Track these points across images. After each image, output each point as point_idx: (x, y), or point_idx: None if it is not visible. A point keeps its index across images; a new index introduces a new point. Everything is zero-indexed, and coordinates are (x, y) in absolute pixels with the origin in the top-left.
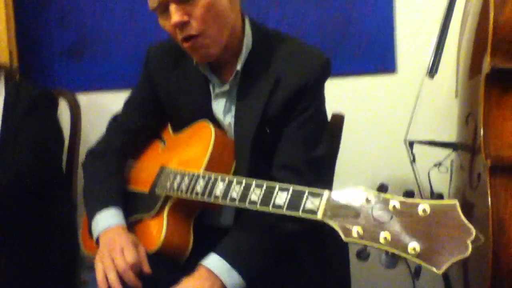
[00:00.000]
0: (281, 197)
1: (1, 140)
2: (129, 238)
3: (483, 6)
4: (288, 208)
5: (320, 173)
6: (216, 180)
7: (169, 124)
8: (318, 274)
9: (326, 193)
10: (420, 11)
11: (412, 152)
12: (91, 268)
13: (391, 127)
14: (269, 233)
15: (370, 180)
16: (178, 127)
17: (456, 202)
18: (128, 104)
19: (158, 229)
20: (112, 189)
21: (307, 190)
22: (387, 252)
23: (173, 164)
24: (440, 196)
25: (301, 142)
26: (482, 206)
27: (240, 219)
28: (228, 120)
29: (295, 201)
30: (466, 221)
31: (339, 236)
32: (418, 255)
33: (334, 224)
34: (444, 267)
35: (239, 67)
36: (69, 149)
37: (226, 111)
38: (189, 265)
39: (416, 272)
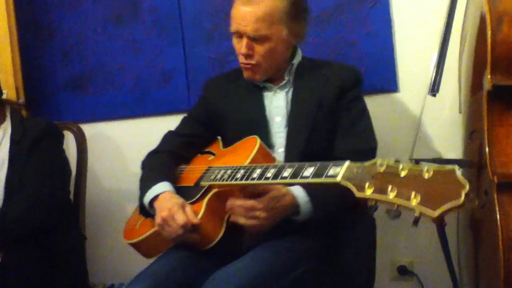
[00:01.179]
0: (309, 171)
1: (8, 175)
2: (176, 201)
3: (480, 23)
4: (313, 176)
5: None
6: (254, 167)
7: (219, 140)
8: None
9: (347, 162)
10: (419, 30)
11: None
12: None
13: (396, 146)
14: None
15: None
16: (230, 141)
17: (455, 167)
18: (184, 118)
19: (196, 211)
20: (164, 172)
21: (332, 162)
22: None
23: (219, 165)
24: None
25: (357, 134)
26: (491, 223)
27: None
28: (283, 111)
29: (320, 171)
30: (462, 180)
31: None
32: (419, 204)
33: (349, 184)
34: (438, 210)
35: (294, 62)
36: (76, 179)
37: (285, 104)
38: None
39: (415, 221)
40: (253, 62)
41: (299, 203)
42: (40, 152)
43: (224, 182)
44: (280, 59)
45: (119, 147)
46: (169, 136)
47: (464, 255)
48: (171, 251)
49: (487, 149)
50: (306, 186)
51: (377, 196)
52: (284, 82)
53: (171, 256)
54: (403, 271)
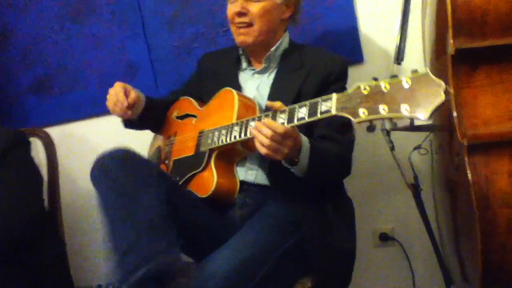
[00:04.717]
0: (302, 112)
1: None
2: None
3: None
4: (309, 115)
5: (350, 154)
6: (247, 121)
7: (192, 100)
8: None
9: (334, 95)
10: (380, 0)
11: (390, 140)
12: None
13: None
14: (339, 155)
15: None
16: (207, 101)
17: (427, 70)
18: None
19: (209, 176)
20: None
21: (320, 98)
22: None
23: (209, 127)
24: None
25: (334, 128)
26: (465, 184)
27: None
28: (253, 94)
29: (312, 109)
30: (436, 79)
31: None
32: (409, 112)
33: (345, 114)
34: (428, 113)
35: (273, 48)
36: (49, 185)
37: (256, 88)
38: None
39: (369, 128)
40: (247, 20)
41: (302, 145)
42: (8, 165)
43: (225, 143)
44: (271, 26)
45: (91, 146)
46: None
47: (442, 217)
48: None
49: (455, 113)
50: (312, 142)
51: (373, 116)
52: (261, 68)
53: None
54: (385, 238)
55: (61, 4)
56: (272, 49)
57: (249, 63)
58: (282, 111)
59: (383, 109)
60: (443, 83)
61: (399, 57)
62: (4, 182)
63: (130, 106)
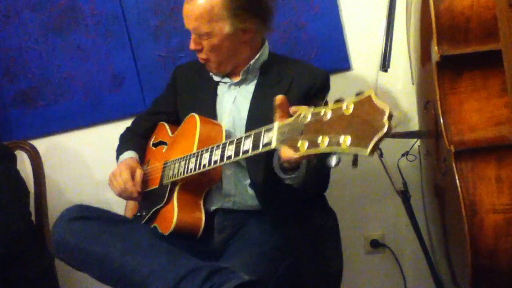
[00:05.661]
0: (246, 144)
1: None
2: (130, 163)
3: None
4: (253, 148)
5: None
6: (202, 153)
7: (166, 126)
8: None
9: (275, 124)
10: (365, 7)
11: (379, 147)
12: None
13: None
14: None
15: (343, 180)
16: (182, 119)
17: (371, 93)
18: (155, 99)
19: (171, 211)
20: (131, 143)
21: (263, 128)
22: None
23: (173, 157)
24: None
25: None
26: (453, 190)
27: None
28: (229, 107)
29: (256, 141)
30: (379, 105)
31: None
32: (350, 145)
33: (285, 147)
34: (370, 147)
35: (252, 62)
36: (36, 198)
37: (233, 100)
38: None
39: (354, 161)
40: (203, 56)
41: None
42: None
43: (181, 176)
44: (231, 53)
45: (78, 158)
46: (139, 117)
47: (431, 222)
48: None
49: (441, 119)
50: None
51: (313, 151)
52: (239, 79)
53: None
54: (376, 244)
55: (44, 15)
56: (252, 62)
57: (223, 76)
58: (230, 143)
59: (321, 142)
60: (387, 110)
61: (385, 64)
62: None
63: (140, 194)
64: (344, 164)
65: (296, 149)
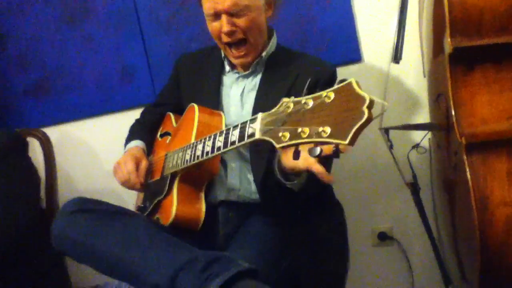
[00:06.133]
0: (234, 134)
1: None
2: (135, 153)
3: None
4: (239, 139)
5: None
6: (196, 144)
7: (171, 116)
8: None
9: (259, 115)
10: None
11: (389, 139)
12: None
13: None
14: None
15: (352, 171)
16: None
17: (351, 80)
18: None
19: (171, 203)
20: (139, 133)
21: (249, 119)
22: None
23: (174, 148)
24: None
25: None
26: (463, 183)
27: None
28: (237, 99)
29: (242, 132)
30: (360, 92)
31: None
32: (329, 136)
33: (268, 138)
34: (349, 137)
35: (264, 54)
36: (47, 186)
37: (240, 93)
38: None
39: (335, 153)
40: (240, 36)
41: None
42: (6, 167)
43: (179, 168)
44: (263, 33)
45: (89, 147)
46: (145, 109)
47: (441, 216)
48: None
49: (453, 111)
50: None
51: (294, 141)
52: (248, 72)
53: None
54: (384, 237)
55: (57, 6)
56: (263, 54)
57: (233, 66)
58: (220, 134)
59: (302, 133)
60: (367, 97)
61: (397, 55)
62: (2, 184)
63: (142, 185)
64: (354, 156)
65: (278, 139)
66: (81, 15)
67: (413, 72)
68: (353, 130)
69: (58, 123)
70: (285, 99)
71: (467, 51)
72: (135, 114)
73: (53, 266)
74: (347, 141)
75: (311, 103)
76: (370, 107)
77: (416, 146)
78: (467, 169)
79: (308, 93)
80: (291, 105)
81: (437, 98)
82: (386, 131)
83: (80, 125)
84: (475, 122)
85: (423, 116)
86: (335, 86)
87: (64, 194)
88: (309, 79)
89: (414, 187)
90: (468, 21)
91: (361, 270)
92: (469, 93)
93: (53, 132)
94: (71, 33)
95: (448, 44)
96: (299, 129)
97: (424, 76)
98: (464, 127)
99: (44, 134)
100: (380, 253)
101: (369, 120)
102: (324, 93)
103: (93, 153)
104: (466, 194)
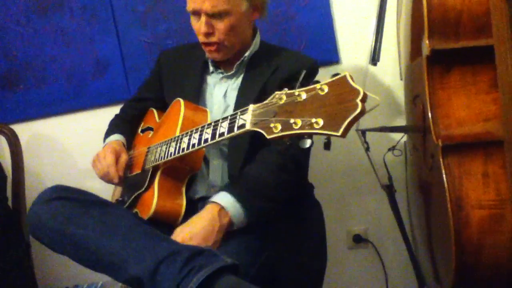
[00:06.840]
0: (223, 126)
1: None
2: (115, 147)
3: None
4: (228, 131)
5: (297, 163)
6: (182, 137)
7: (154, 112)
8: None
9: (250, 106)
10: (355, 0)
11: (365, 141)
12: None
13: None
14: (272, 177)
15: (328, 173)
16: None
17: (346, 73)
18: (140, 85)
19: (151, 197)
20: (119, 127)
21: (239, 110)
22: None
23: (157, 142)
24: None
25: None
26: (439, 185)
27: (247, 165)
28: (219, 99)
29: (232, 123)
30: (354, 85)
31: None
32: (321, 127)
33: (258, 129)
34: (341, 129)
35: (246, 54)
36: (13, 185)
37: (223, 93)
38: None
39: (326, 145)
40: (214, 40)
41: (230, 216)
42: None
43: (162, 161)
44: (242, 37)
45: (59, 145)
46: (126, 103)
47: (415, 217)
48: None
49: (429, 113)
50: (232, 191)
51: (286, 133)
52: (232, 72)
53: None
54: (359, 239)
55: None
56: (246, 54)
57: (217, 66)
58: (208, 126)
59: (294, 124)
60: (361, 90)
61: (374, 58)
62: None
63: (121, 179)
64: (330, 158)
65: (269, 130)
66: (53, 6)
67: (390, 74)
68: (346, 121)
69: (27, 120)
70: (278, 92)
71: (445, 53)
72: (107, 111)
73: (19, 268)
74: (339, 133)
75: (304, 95)
76: (363, 100)
77: (392, 148)
78: (443, 171)
79: (297, 85)
80: (284, 97)
81: (414, 100)
82: (363, 133)
83: (50, 122)
84: (451, 124)
85: (400, 118)
86: (329, 79)
87: (32, 194)
88: (304, 71)
89: (389, 189)
90: (447, 23)
91: (336, 272)
92: (446, 95)
93: (21, 129)
94: (42, 24)
95: (426, 46)
96: (291, 120)
97: (401, 79)
98: (441, 129)
99: (12, 131)
100: (355, 255)
101: (362, 112)
102: (318, 85)
103: (64, 152)
104: (441, 196)
